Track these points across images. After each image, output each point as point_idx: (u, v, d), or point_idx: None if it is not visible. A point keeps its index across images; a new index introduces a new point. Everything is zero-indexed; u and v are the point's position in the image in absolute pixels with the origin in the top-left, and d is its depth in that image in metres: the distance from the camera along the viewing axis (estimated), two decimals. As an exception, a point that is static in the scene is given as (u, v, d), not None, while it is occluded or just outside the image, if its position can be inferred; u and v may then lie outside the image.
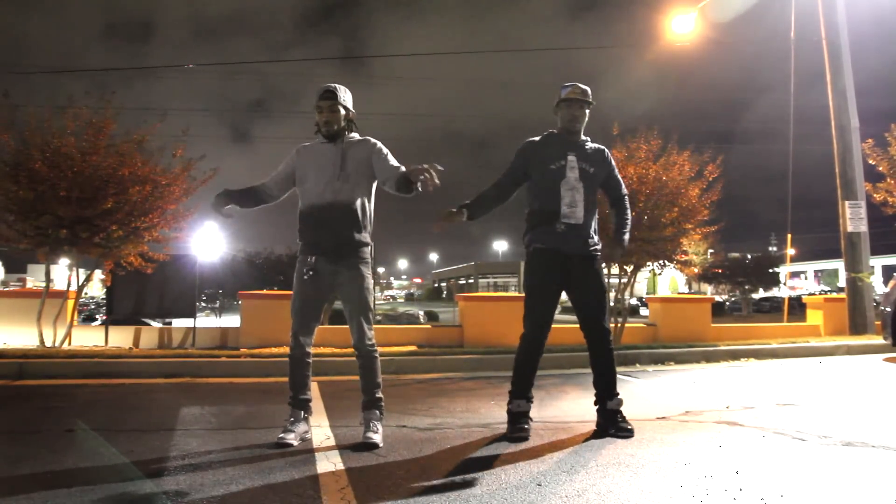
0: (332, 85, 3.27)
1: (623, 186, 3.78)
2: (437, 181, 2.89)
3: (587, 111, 3.57)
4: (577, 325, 3.57)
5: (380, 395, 3.29)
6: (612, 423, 3.42)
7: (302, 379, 3.29)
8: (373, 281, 3.36)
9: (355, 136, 3.37)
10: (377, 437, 3.15)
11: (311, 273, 3.21)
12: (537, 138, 3.64)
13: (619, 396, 3.49)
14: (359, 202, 3.27)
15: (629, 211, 3.78)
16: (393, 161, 3.30)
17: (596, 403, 3.53)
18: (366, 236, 3.31)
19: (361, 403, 3.29)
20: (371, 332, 3.28)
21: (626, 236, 3.72)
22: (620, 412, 3.46)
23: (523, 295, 3.59)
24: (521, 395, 3.45)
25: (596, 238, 3.57)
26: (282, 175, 3.42)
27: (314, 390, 3.77)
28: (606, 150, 3.68)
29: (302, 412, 3.28)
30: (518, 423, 3.38)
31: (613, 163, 3.73)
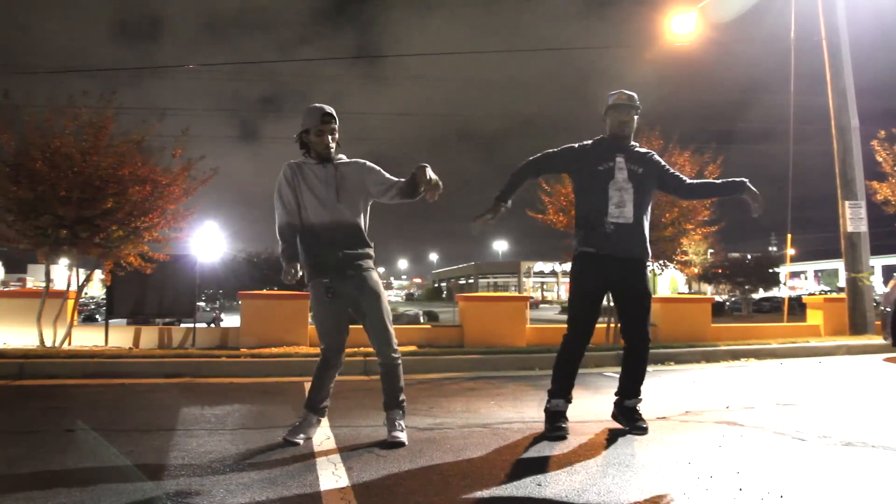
0: (328, 107, 3.28)
1: (684, 177, 3.77)
2: (439, 185, 3.03)
3: (635, 116, 3.60)
4: None
5: (403, 397, 3.31)
6: (629, 420, 3.50)
7: (321, 388, 3.34)
8: (380, 282, 3.35)
9: (342, 156, 3.37)
10: (403, 436, 3.20)
11: (331, 294, 3.21)
12: (588, 142, 3.67)
13: (640, 397, 3.57)
14: (358, 219, 3.30)
15: (692, 185, 3.74)
16: (388, 174, 3.33)
17: (616, 396, 3.63)
18: (368, 248, 3.31)
19: (383, 404, 3.30)
20: (394, 339, 3.27)
21: (727, 182, 3.70)
22: (637, 410, 3.54)
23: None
24: (560, 395, 3.48)
25: (647, 240, 3.58)
26: (293, 200, 3.30)
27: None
28: (654, 152, 3.73)
29: (313, 414, 3.31)
30: (556, 423, 3.42)
31: (661, 160, 3.74)
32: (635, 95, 3.58)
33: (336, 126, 3.29)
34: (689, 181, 3.75)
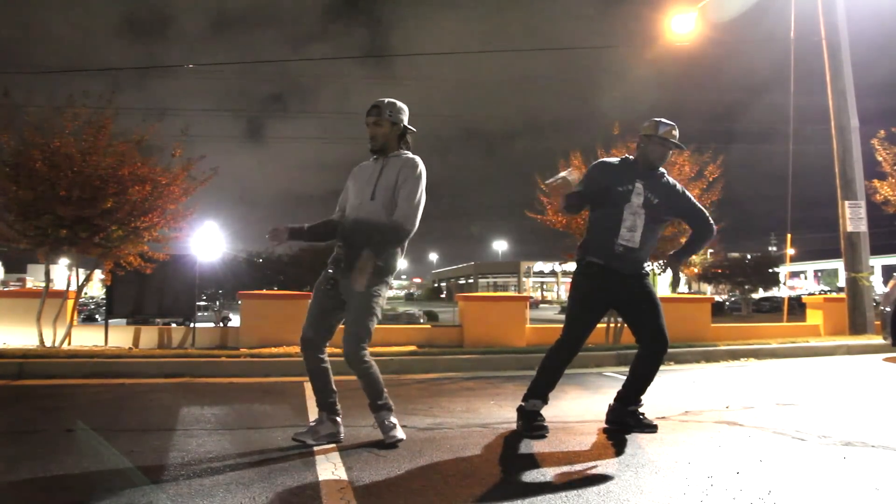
0: (381, 100, 3.22)
1: (708, 218, 3.70)
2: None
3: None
4: None
5: (385, 398, 3.23)
6: (636, 422, 3.50)
7: (320, 385, 3.25)
8: (382, 296, 3.21)
9: (404, 153, 3.27)
10: (398, 433, 3.18)
11: (329, 285, 3.19)
12: (614, 161, 3.68)
13: (642, 402, 3.57)
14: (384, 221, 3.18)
15: (706, 236, 3.72)
16: (400, 208, 3.13)
17: (615, 402, 3.61)
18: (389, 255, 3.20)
19: (369, 406, 3.26)
20: (363, 346, 3.12)
21: (687, 256, 3.78)
22: (640, 412, 3.55)
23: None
24: (536, 396, 3.50)
25: (647, 263, 3.62)
26: (343, 199, 3.35)
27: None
28: (678, 184, 3.70)
29: (325, 413, 3.24)
30: (536, 421, 3.45)
31: (689, 194, 3.73)
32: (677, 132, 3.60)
33: (380, 119, 3.18)
34: (707, 223, 3.69)
